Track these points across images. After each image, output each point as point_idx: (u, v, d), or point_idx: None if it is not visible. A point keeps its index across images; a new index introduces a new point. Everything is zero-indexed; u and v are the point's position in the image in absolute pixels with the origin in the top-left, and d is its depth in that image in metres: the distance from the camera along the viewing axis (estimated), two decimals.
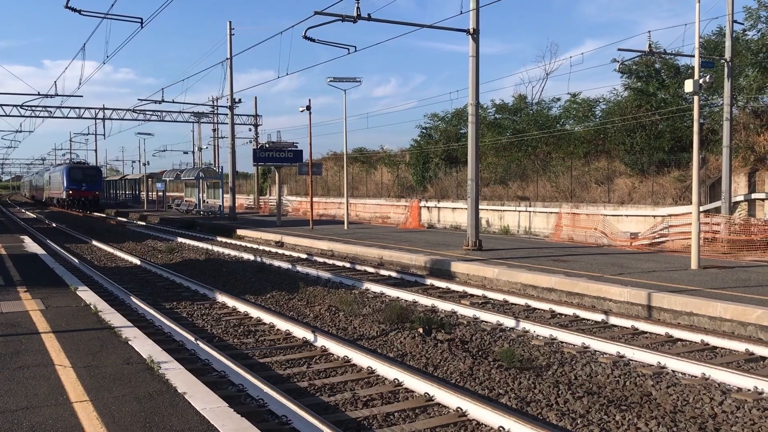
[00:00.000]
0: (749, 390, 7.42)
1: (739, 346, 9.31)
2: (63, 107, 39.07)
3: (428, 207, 38.46)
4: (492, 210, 34.27)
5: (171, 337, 9.86)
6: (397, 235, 25.16)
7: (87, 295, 11.23)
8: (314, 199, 34.54)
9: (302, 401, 6.81)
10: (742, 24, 25.72)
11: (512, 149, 37.87)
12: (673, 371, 8.23)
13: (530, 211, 32.72)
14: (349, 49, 20.51)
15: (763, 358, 8.94)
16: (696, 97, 15.41)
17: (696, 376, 7.97)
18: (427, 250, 19.39)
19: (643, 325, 10.67)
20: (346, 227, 29.17)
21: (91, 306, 10.07)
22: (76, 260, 19.47)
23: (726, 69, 22.15)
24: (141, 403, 5.62)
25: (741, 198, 24.62)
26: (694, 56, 16.16)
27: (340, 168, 42.61)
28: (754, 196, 24.50)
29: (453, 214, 36.91)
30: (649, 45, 22.11)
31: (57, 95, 35.80)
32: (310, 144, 29.95)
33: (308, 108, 29.14)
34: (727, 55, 22.05)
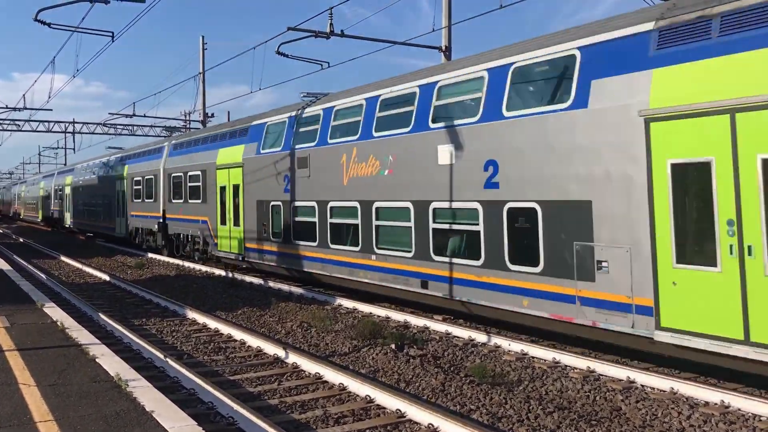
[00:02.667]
0: (716, 404, 7.52)
1: None
2: (32, 120, 38.37)
3: None
4: None
5: (140, 354, 9.72)
6: None
7: (54, 311, 11.03)
8: None
9: (273, 419, 6.75)
10: None
11: None
12: (642, 386, 8.32)
13: None
14: (322, 65, 20.59)
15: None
16: None
17: (665, 391, 8.06)
18: None
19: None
20: None
21: (58, 323, 9.89)
22: (44, 276, 19.12)
23: None
24: (107, 423, 5.52)
25: None
26: None
27: None
28: None
29: None
30: None
31: (26, 108, 35.17)
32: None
33: None
34: None
